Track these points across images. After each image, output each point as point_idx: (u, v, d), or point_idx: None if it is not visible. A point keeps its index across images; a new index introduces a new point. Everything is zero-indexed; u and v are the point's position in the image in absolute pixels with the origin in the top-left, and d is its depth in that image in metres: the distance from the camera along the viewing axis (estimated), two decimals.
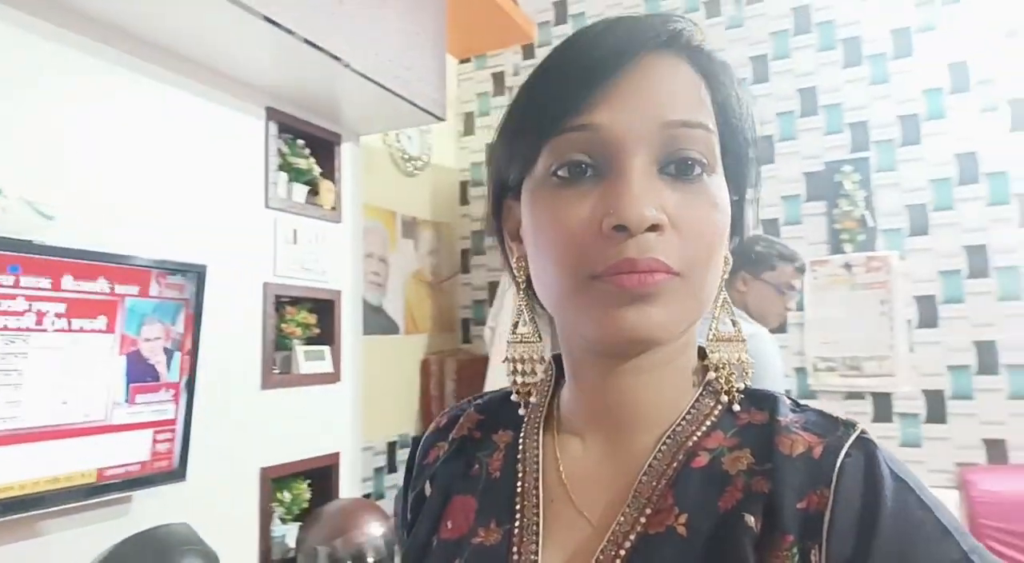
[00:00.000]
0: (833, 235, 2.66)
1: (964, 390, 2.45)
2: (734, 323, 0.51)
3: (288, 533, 1.99)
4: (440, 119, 2.29)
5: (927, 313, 2.51)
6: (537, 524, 0.49)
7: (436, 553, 0.53)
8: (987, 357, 2.42)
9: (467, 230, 3.25)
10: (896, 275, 2.56)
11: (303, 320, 2.15)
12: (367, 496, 2.54)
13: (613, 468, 0.50)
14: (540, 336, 0.54)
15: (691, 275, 0.45)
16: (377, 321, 2.70)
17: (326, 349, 2.21)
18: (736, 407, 0.50)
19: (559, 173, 0.46)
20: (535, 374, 0.54)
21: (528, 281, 0.52)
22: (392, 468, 2.76)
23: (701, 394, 0.51)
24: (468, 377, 2.89)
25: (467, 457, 0.57)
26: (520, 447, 0.55)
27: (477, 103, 3.26)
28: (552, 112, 0.46)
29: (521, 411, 0.56)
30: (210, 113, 1.85)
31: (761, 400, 0.50)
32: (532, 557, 0.48)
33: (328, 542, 1.87)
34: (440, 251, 3.13)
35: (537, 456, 0.53)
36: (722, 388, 0.51)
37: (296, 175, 2.12)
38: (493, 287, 3.08)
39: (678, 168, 0.46)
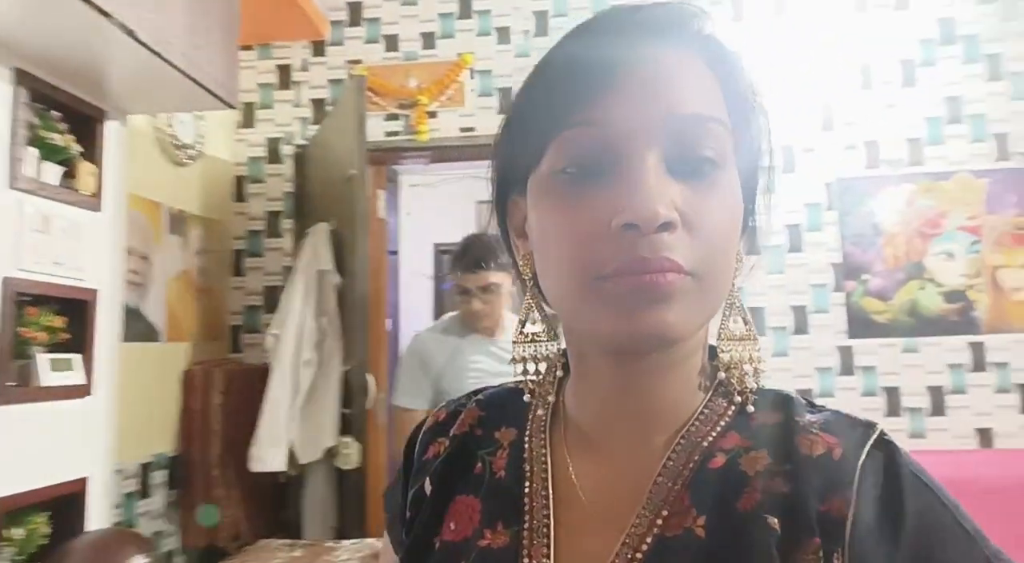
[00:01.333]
0: None
1: None
2: (746, 322, 0.50)
3: None
4: (231, 106, 2.10)
5: None
6: (547, 526, 0.47)
7: (439, 555, 0.49)
8: None
9: (242, 229, 2.99)
10: None
11: (48, 323, 1.81)
12: (118, 525, 2.21)
13: (625, 468, 0.48)
14: (556, 335, 0.51)
15: (704, 275, 0.43)
16: (134, 326, 2.37)
17: (76, 358, 1.89)
18: (750, 408, 0.48)
19: (566, 169, 0.44)
20: (548, 373, 0.52)
21: (535, 278, 0.50)
22: (145, 493, 2.43)
23: (713, 394, 0.50)
24: (238, 389, 2.66)
25: (469, 455, 0.54)
26: (526, 446, 0.52)
27: (259, 94, 3.03)
28: (558, 106, 0.44)
29: (540, 412, 0.53)
30: None
31: (775, 401, 0.49)
32: (544, 560, 0.46)
33: None
34: (211, 250, 2.85)
35: (545, 455, 0.51)
36: (735, 388, 0.49)
37: (49, 152, 1.80)
38: (270, 292, 2.88)
39: (690, 164, 0.43)
